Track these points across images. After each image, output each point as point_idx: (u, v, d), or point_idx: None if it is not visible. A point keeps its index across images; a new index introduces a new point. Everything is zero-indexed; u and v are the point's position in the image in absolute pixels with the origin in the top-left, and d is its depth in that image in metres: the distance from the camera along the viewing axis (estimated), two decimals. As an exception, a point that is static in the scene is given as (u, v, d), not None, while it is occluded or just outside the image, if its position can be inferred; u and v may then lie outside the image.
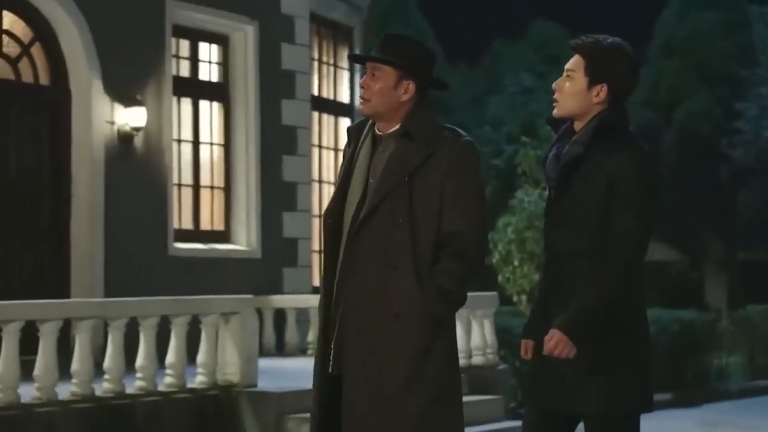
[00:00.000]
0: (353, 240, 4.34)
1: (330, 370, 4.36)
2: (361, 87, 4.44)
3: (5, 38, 11.54)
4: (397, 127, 4.42)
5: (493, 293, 12.00)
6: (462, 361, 11.10)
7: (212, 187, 13.29)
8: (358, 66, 16.17)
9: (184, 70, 13.05)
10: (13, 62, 11.57)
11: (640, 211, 4.21)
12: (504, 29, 34.84)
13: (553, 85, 4.44)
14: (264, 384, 9.32)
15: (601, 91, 4.33)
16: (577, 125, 4.40)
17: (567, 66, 4.40)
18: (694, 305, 20.64)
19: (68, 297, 11.41)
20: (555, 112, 4.42)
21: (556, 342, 4.13)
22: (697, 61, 28.39)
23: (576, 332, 4.13)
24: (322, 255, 4.51)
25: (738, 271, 29.15)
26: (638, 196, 4.22)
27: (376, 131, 4.47)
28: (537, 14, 34.02)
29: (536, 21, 33.95)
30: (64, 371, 8.33)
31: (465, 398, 11.32)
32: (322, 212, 4.54)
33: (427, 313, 4.27)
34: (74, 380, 8.39)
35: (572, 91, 4.36)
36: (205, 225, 13.20)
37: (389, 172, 4.35)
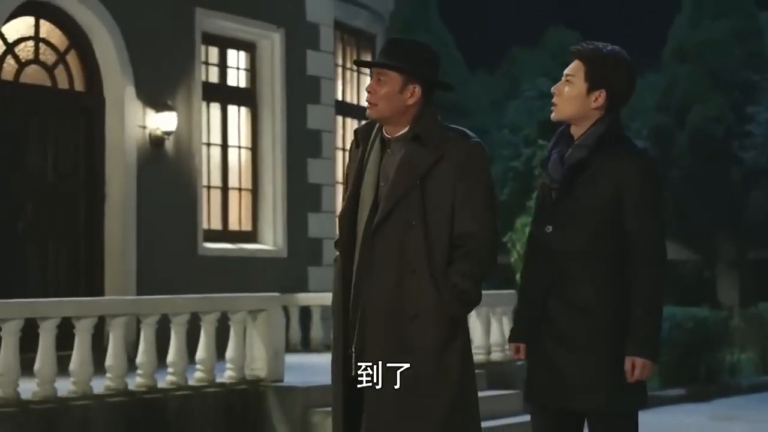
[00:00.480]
0: (369, 243, 4.30)
1: (352, 374, 4.32)
2: (368, 92, 4.39)
3: (42, 46, 11.59)
4: (405, 130, 4.37)
5: (512, 291, 11.99)
6: (481, 357, 11.13)
7: (240, 189, 13.31)
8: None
9: (213, 76, 13.07)
10: (49, 69, 11.61)
11: (655, 213, 4.23)
12: (521, 36, 34.79)
13: (552, 89, 4.41)
14: (290, 379, 9.32)
15: (599, 97, 4.30)
16: (575, 129, 4.38)
17: (566, 71, 4.37)
18: (706, 303, 20.56)
19: (102, 295, 11.45)
20: (553, 115, 4.40)
21: (641, 370, 4.17)
22: (710, 67, 28.29)
23: (655, 353, 4.19)
24: (338, 257, 4.45)
25: (749, 270, 29.02)
26: (650, 200, 4.22)
27: (384, 134, 4.43)
28: (553, 22, 33.97)
29: (552, 28, 33.91)
30: (98, 366, 8.35)
31: (485, 393, 11.34)
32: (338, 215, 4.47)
33: (444, 314, 4.24)
34: (108, 375, 8.40)
35: (571, 95, 4.33)
36: (233, 225, 13.22)
37: (401, 176, 4.30)
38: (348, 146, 15.60)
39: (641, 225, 4.20)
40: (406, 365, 4.23)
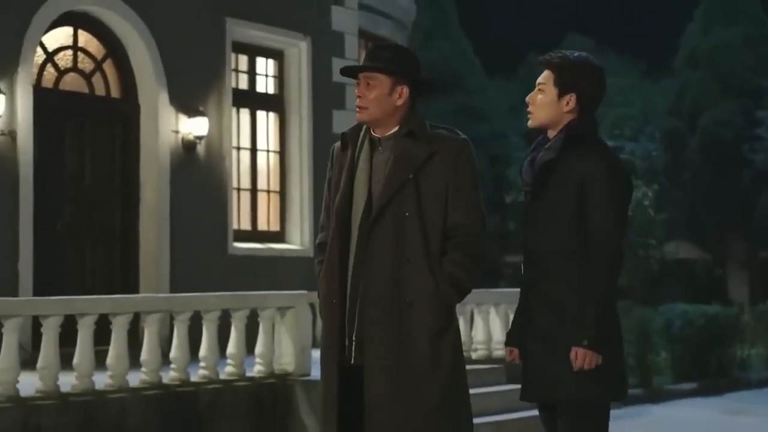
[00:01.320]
0: (367, 236, 4.33)
1: (352, 362, 4.33)
2: (358, 96, 4.43)
3: (80, 55, 11.64)
4: (396, 129, 4.42)
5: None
6: (500, 353, 11.10)
7: (268, 191, 13.34)
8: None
9: (243, 83, 13.11)
10: (87, 77, 11.67)
11: (612, 211, 4.21)
12: (538, 43, 34.71)
13: (527, 99, 4.47)
14: (317, 373, 9.27)
15: (570, 101, 4.34)
16: (551, 134, 4.41)
17: (538, 80, 4.43)
18: (717, 300, 20.46)
19: (137, 292, 11.49)
20: (529, 123, 4.45)
21: (582, 359, 4.15)
22: (720, 73, 28.20)
23: (596, 343, 4.14)
24: (331, 252, 4.44)
25: (759, 269, 28.88)
26: (609, 197, 4.21)
27: (373, 135, 4.47)
28: (569, 29, 33.90)
29: (568, 35, 33.82)
30: (134, 361, 8.38)
31: (504, 387, 11.30)
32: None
33: (439, 301, 4.29)
34: (143, 369, 8.43)
35: (544, 102, 4.38)
36: (262, 226, 13.24)
37: (396, 170, 4.36)
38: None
39: (597, 220, 4.19)
40: (404, 351, 4.26)
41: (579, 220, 4.22)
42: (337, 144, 4.60)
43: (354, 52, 14.10)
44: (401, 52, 4.47)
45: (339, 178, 4.50)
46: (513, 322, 4.53)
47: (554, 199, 4.27)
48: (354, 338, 4.34)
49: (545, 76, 4.40)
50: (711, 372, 14.74)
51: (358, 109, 4.44)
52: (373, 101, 4.40)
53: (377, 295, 4.29)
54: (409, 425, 4.26)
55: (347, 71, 4.52)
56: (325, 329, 4.44)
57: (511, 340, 4.49)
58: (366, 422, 4.28)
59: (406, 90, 4.42)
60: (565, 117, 4.36)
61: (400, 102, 4.41)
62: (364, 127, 4.50)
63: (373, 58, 4.43)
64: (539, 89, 4.41)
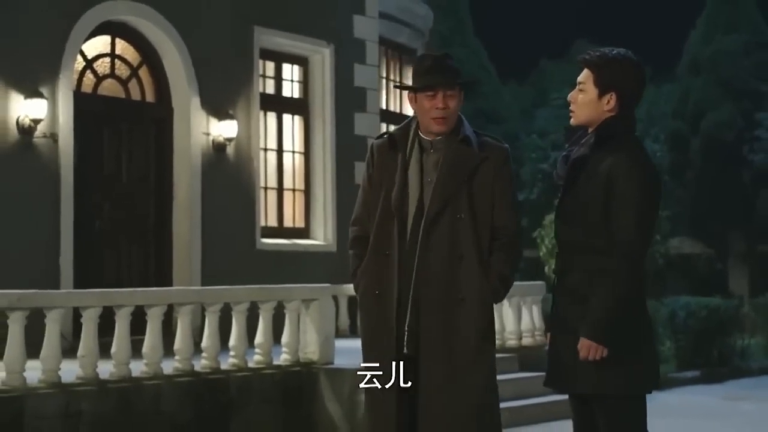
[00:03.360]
0: (425, 235, 4.31)
1: (404, 351, 4.31)
2: (441, 108, 4.36)
3: (117, 62, 11.67)
4: (447, 132, 4.39)
5: (541, 282, 11.94)
6: (513, 342, 11.08)
7: (294, 190, 13.34)
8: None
9: (270, 88, 13.11)
10: (123, 83, 11.69)
11: (636, 212, 4.05)
12: (549, 50, 34.62)
13: (568, 98, 4.31)
14: (340, 361, 9.32)
15: (611, 99, 4.17)
16: (591, 131, 4.27)
17: (579, 79, 4.26)
18: (719, 293, 20.35)
19: (170, 285, 11.50)
20: (572, 121, 4.30)
21: (587, 349, 4.05)
22: (721, 77, 28.06)
23: (600, 336, 4.03)
24: (381, 246, 4.38)
25: (758, 262, 28.73)
26: (634, 198, 4.05)
27: (423, 137, 4.43)
28: (578, 36, 33.80)
29: (577, 41, 33.72)
30: (168, 349, 8.38)
31: (517, 375, 11.26)
32: (387, 206, 4.41)
33: (487, 298, 4.32)
34: (176, 357, 8.44)
35: (585, 101, 4.22)
36: (287, 223, 13.25)
37: (452, 174, 4.34)
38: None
39: (621, 221, 4.05)
40: (455, 343, 4.27)
41: (605, 217, 4.09)
42: (377, 142, 4.53)
43: (375, 59, 14.08)
44: (453, 62, 4.47)
45: (384, 176, 4.44)
46: (551, 311, 4.47)
47: (583, 194, 4.15)
48: (407, 329, 4.31)
49: (585, 75, 4.22)
50: (713, 361, 14.66)
51: (439, 121, 4.36)
52: (455, 111, 4.40)
53: (432, 291, 4.30)
54: (462, 407, 4.28)
55: (463, 83, 4.41)
56: (373, 320, 4.40)
57: (547, 327, 4.44)
58: (420, 406, 4.28)
59: (462, 95, 4.45)
60: (605, 115, 4.20)
61: (460, 107, 4.45)
62: (413, 128, 4.46)
63: (452, 72, 4.39)
64: (580, 89, 4.24)
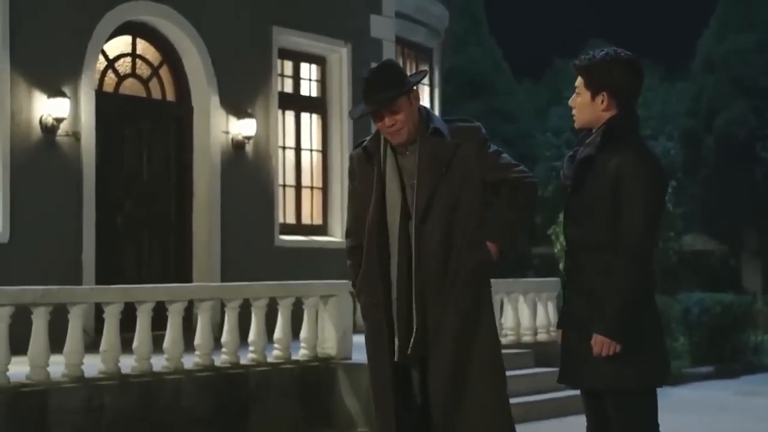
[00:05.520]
0: (417, 234, 4.32)
1: (408, 353, 4.33)
2: (389, 126, 4.33)
3: (138, 61, 11.70)
4: (410, 140, 4.37)
5: (555, 279, 11.91)
6: (528, 338, 11.07)
7: (312, 188, 13.35)
8: (436, 81, 16.14)
9: (288, 87, 13.12)
10: (144, 82, 11.72)
11: (642, 211, 4.07)
12: (563, 49, 34.54)
13: (569, 103, 4.37)
14: (357, 357, 9.32)
15: (604, 99, 4.21)
16: (594, 132, 4.30)
17: (575, 84, 4.32)
18: (732, 289, 20.28)
19: (190, 281, 11.53)
20: (575, 125, 4.35)
21: (600, 345, 4.07)
22: (734, 75, 27.95)
23: (614, 333, 4.05)
24: (370, 257, 4.40)
25: (771, 259, 28.62)
26: (641, 196, 4.07)
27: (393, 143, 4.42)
28: (592, 35, 33.69)
29: (591, 41, 33.60)
30: (188, 345, 8.40)
31: (532, 370, 11.24)
32: (373, 216, 4.43)
33: (475, 276, 4.34)
34: (197, 352, 8.46)
35: (582, 105, 4.27)
36: (305, 220, 13.26)
37: (430, 168, 4.34)
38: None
39: (628, 220, 4.07)
40: (455, 322, 4.32)
41: (613, 215, 4.11)
42: (356, 152, 4.53)
43: (391, 58, 14.08)
44: (391, 69, 4.40)
45: (365, 186, 4.44)
46: (562, 308, 4.48)
47: (590, 193, 4.16)
48: (415, 329, 4.32)
49: (578, 81, 4.29)
50: (726, 356, 14.61)
51: (394, 134, 4.34)
52: (406, 121, 4.35)
53: (433, 286, 4.31)
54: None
55: (369, 112, 4.32)
56: (374, 327, 4.43)
57: (559, 324, 4.43)
58: (432, 395, 4.33)
59: (415, 94, 4.40)
60: (603, 115, 4.23)
61: (415, 107, 4.40)
62: (382, 136, 4.43)
63: (380, 89, 4.29)
64: (576, 93, 4.30)
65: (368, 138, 4.54)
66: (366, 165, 4.46)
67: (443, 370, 4.31)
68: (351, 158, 4.56)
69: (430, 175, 4.32)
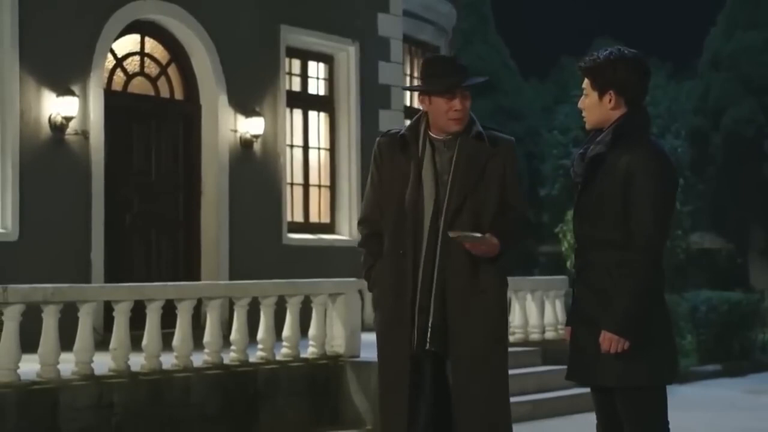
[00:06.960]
0: (448, 228, 4.36)
1: (427, 347, 4.36)
2: (459, 110, 4.43)
3: (147, 60, 11.73)
4: (457, 129, 4.46)
5: (563, 277, 11.93)
6: (536, 336, 11.09)
7: (320, 186, 13.37)
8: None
9: (296, 85, 13.14)
10: (153, 80, 11.75)
11: (653, 209, 4.09)
12: (570, 47, 34.52)
13: (579, 105, 4.40)
14: (365, 354, 9.34)
15: (611, 98, 4.24)
16: (606, 130, 4.32)
17: (582, 86, 4.35)
18: (740, 287, 20.27)
19: (199, 279, 11.55)
20: (586, 126, 4.38)
21: (608, 342, 4.08)
22: (742, 73, 27.90)
23: (623, 329, 4.06)
24: (398, 245, 4.42)
25: (779, 257, 28.56)
26: (651, 195, 4.09)
27: (433, 136, 4.48)
28: (599, 34, 33.66)
29: (599, 39, 33.57)
30: (197, 343, 8.42)
31: (540, 368, 11.26)
32: (402, 206, 4.47)
33: (502, 291, 4.48)
34: (206, 350, 8.48)
35: (590, 105, 4.30)
36: (313, 218, 13.28)
37: (468, 170, 4.40)
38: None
39: (638, 219, 4.09)
40: (475, 331, 4.36)
41: (623, 213, 4.13)
42: (384, 140, 4.54)
43: (399, 56, 14.09)
44: (462, 59, 4.60)
45: (395, 175, 4.45)
46: (571, 305, 4.51)
47: (600, 191, 4.18)
48: (430, 326, 4.36)
49: (585, 81, 4.32)
50: (734, 355, 14.61)
51: (457, 121, 4.44)
52: (467, 110, 4.48)
53: (458, 284, 4.36)
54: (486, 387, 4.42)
55: (464, 84, 4.44)
56: (390, 317, 4.43)
57: (568, 321, 4.46)
58: (454, 398, 4.38)
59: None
60: (612, 114, 4.26)
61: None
62: (422, 128, 4.49)
63: (466, 73, 4.48)
64: (585, 94, 4.33)
65: (404, 127, 4.60)
66: (400, 154, 4.48)
67: (466, 364, 4.36)
68: (378, 146, 4.56)
69: (467, 175, 4.40)
